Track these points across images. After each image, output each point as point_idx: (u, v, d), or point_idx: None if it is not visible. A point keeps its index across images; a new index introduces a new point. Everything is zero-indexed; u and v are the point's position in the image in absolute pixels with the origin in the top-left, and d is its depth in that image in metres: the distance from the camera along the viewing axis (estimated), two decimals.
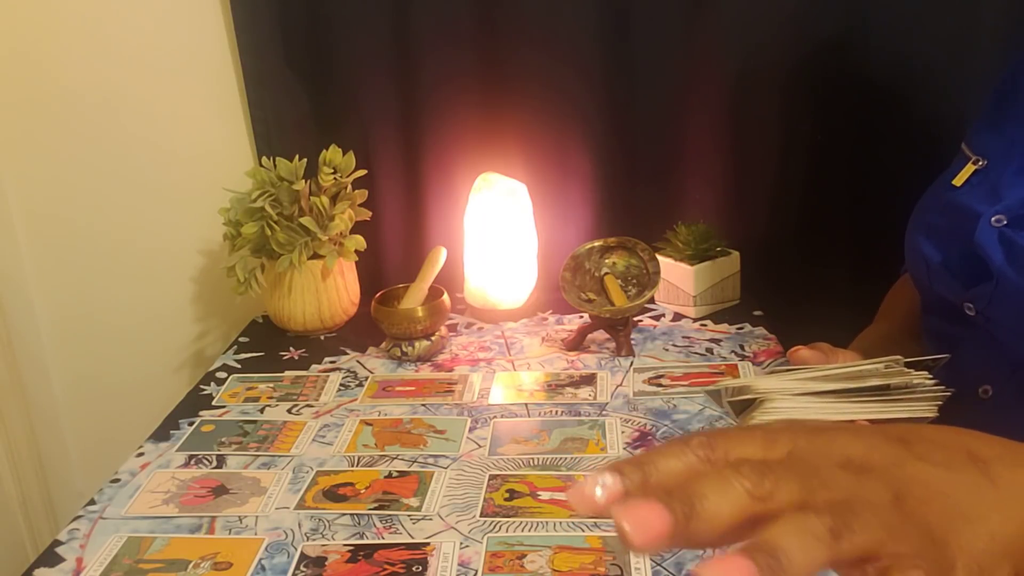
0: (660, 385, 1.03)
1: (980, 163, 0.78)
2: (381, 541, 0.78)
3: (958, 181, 0.79)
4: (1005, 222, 0.72)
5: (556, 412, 0.98)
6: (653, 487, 0.36)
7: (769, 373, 0.69)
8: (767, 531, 0.34)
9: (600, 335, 1.14)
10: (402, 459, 0.91)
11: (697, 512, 0.34)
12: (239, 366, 1.16)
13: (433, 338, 1.14)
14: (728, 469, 0.36)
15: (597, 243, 1.15)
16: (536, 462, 0.88)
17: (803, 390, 0.66)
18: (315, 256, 1.20)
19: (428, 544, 0.77)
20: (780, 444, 0.39)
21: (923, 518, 0.37)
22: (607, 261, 1.16)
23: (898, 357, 0.69)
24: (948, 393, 0.66)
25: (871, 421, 0.64)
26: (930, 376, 0.67)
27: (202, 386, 1.10)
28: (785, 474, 0.36)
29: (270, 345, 1.22)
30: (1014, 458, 0.41)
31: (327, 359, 1.16)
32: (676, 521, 0.34)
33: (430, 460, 0.90)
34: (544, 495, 0.83)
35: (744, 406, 0.68)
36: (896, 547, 0.35)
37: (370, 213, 1.26)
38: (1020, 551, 0.39)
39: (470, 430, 0.96)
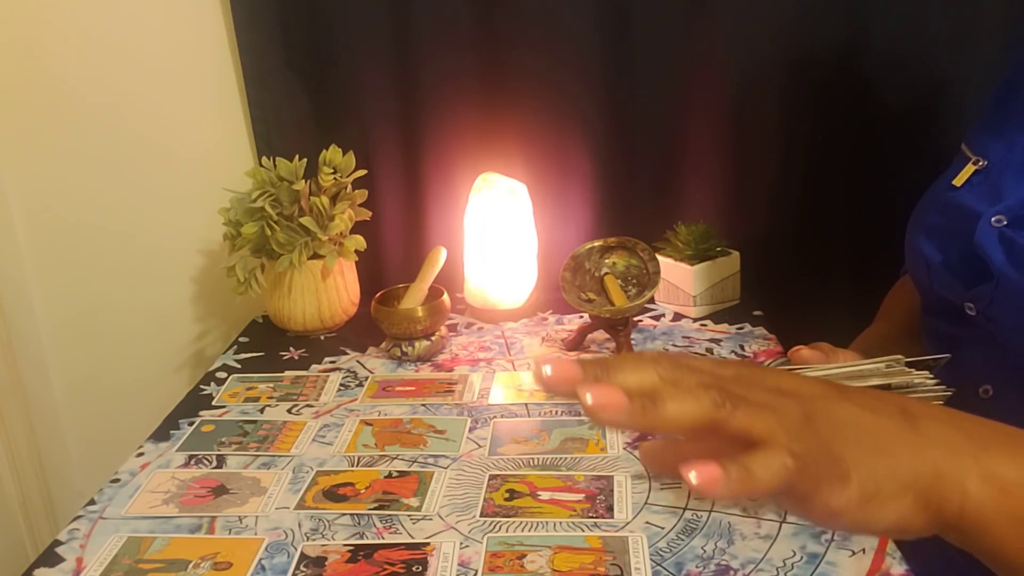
0: None
1: (980, 163, 0.78)
2: (381, 541, 0.78)
3: (958, 181, 0.79)
4: (1005, 222, 0.72)
5: (556, 412, 0.98)
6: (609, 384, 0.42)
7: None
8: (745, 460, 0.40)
9: (600, 335, 1.14)
10: (402, 459, 0.91)
11: (659, 404, 0.41)
12: (239, 366, 1.16)
13: (433, 338, 1.14)
14: (686, 381, 0.42)
15: (597, 243, 1.15)
16: (536, 462, 0.88)
17: None
18: (315, 256, 1.20)
19: (428, 544, 0.77)
20: (727, 369, 0.45)
21: (825, 436, 0.42)
22: (607, 261, 1.16)
23: (899, 357, 0.69)
24: (949, 393, 0.67)
25: None
26: (931, 376, 0.67)
27: (202, 386, 1.10)
28: (725, 388, 0.42)
29: (270, 345, 1.22)
30: (947, 419, 0.45)
31: (327, 359, 1.16)
32: (633, 405, 0.41)
33: (430, 460, 0.90)
34: (544, 495, 0.83)
35: None
36: (786, 441, 0.41)
37: (370, 213, 1.26)
38: (928, 490, 0.42)
39: (470, 430, 0.96)
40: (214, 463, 0.92)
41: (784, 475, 0.40)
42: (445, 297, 1.15)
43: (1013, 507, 0.42)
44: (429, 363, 1.13)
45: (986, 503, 0.42)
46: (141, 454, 0.95)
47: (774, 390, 0.44)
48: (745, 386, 0.43)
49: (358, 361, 1.15)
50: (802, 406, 0.43)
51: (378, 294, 1.17)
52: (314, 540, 0.78)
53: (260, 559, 0.76)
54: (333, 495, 0.85)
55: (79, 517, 0.84)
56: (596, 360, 0.43)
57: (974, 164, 0.78)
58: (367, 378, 1.10)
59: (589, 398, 0.41)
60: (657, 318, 1.22)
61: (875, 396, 0.46)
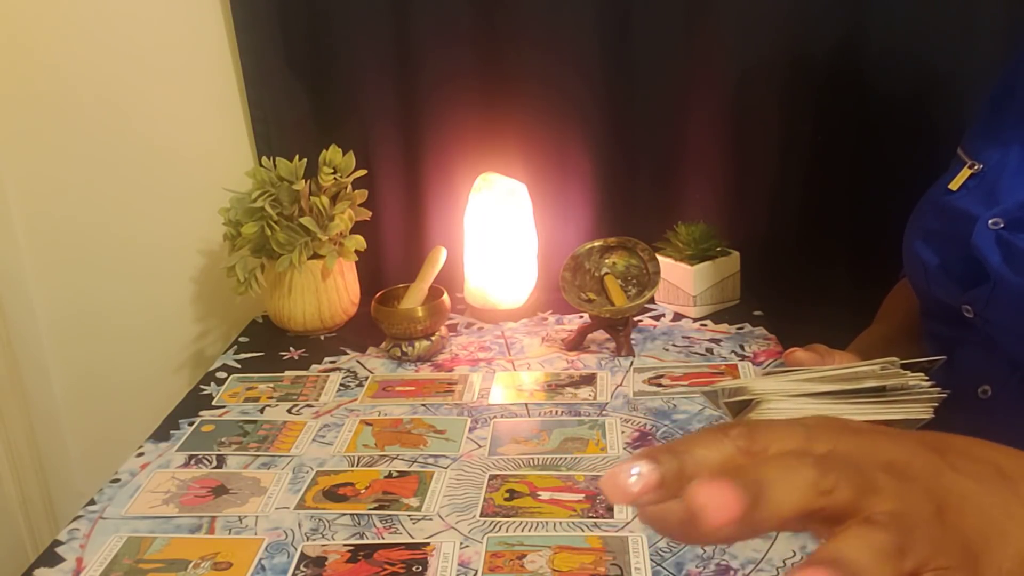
0: (660, 385, 1.03)
1: (976, 167, 0.78)
2: (381, 541, 0.78)
3: (954, 185, 0.79)
4: (1002, 225, 0.72)
5: (556, 412, 0.98)
6: (692, 475, 0.34)
7: (766, 374, 0.69)
8: (839, 542, 0.33)
9: (600, 335, 1.14)
10: (402, 459, 0.91)
11: (767, 497, 0.33)
12: (239, 366, 1.16)
13: (433, 338, 1.14)
14: (792, 458, 0.35)
15: (597, 243, 1.15)
16: (536, 462, 0.88)
17: (799, 391, 0.66)
18: (315, 256, 1.20)
19: (428, 544, 0.77)
20: (822, 441, 0.38)
21: (961, 531, 0.37)
22: (607, 261, 1.16)
23: (894, 359, 0.69)
24: (944, 395, 0.66)
25: (867, 422, 0.64)
26: (926, 378, 0.67)
27: (202, 386, 1.10)
28: (841, 471, 0.35)
29: (270, 345, 1.22)
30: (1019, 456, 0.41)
31: (327, 359, 1.16)
32: (746, 504, 0.32)
33: (430, 460, 0.90)
34: (544, 495, 0.83)
35: (741, 407, 0.68)
36: (940, 561, 0.35)
37: (370, 213, 1.26)
38: None
39: (470, 430, 0.96)
40: (214, 463, 0.92)
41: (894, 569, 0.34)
42: (445, 297, 1.15)
43: None
44: (429, 363, 1.13)
45: None
46: (141, 454, 0.95)
47: (889, 470, 0.37)
48: (870, 478, 0.36)
49: (358, 361, 1.15)
50: (930, 495, 0.37)
51: (378, 294, 1.17)
52: (314, 540, 0.78)
53: (260, 559, 0.76)
54: (333, 495, 0.85)
55: (79, 517, 0.84)
56: (664, 448, 0.35)
57: (970, 168, 0.78)
58: (367, 378, 1.10)
59: (698, 498, 0.32)
60: (657, 318, 1.22)
61: (971, 458, 0.40)
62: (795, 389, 0.67)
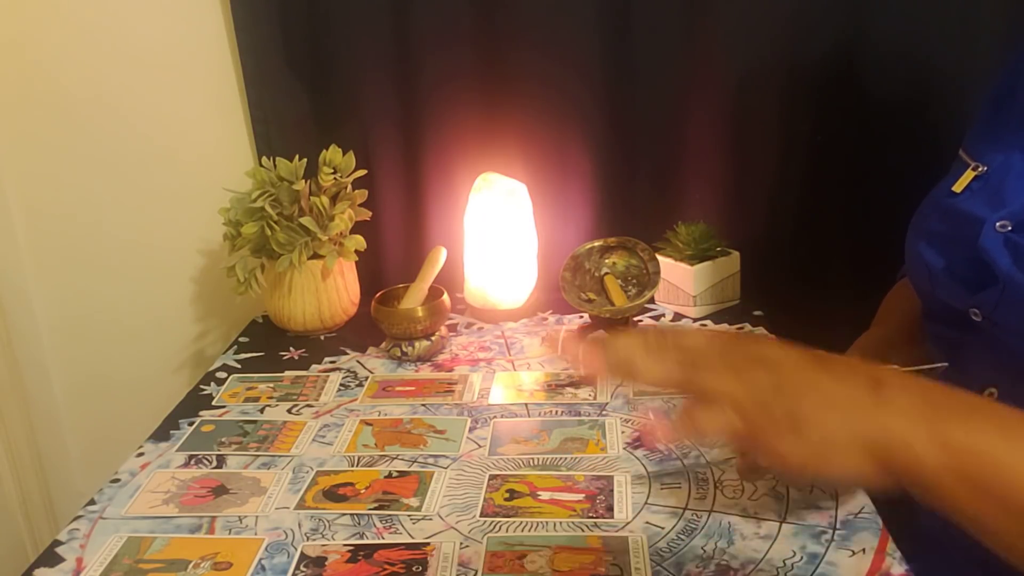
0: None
1: (980, 169, 0.78)
2: (381, 541, 0.78)
3: (958, 188, 0.78)
4: (1010, 227, 0.72)
5: (556, 412, 0.98)
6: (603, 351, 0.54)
7: None
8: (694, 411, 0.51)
9: (600, 335, 1.14)
10: (402, 459, 0.91)
11: (632, 374, 0.52)
12: (239, 366, 1.16)
13: (433, 338, 1.14)
14: (669, 351, 0.52)
15: (597, 243, 1.15)
16: (536, 462, 0.88)
17: None
18: (315, 256, 1.20)
19: (428, 544, 0.77)
20: (719, 336, 0.54)
21: (789, 400, 0.49)
22: (607, 261, 1.16)
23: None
24: None
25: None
26: None
27: (202, 386, 1.10)
28: (711, 358, 0.51)
29: (270, 345, 1.22)
30: (913, 388, 0.50)
31: (327, 359, 1.16)
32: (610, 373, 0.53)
33: (430, 460, 0.90)
34: (544, 495, 0.83)
35: None
36: (741, 400, 0.49)
37: (370, 213, 1.26)
38: (878, 447, 0.48)
39: (470, 430, 0.96)
40: (214, 463, 0.92)
41: (728, 429, 0.49)
42: (445, 297, 1.15)
43: (958, 466, 0.47)
44: (429, 363, 1.13)
45: (933, 464, 0.47)
46: (141, 454, 0.95)
47: (755, 359, 0.51)
48: (722, 355, 0.52)
49: (358, 361, 1.15)
50: (774, 374, 0.50)
51: (378, 294, 1.17)
52: (314, 540, 0.78)
53: (260, 559, 0.76)
54: (333, 495, 0.85)
55: (79, 517, 0.84)
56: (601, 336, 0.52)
57: (973, 170, 0.78)
58: (367, 378, 1.10)
59: (581, 355, 0.54)
60: (657, 318, 1.22)
61: (850, 366, 0.52)
62: None
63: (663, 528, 0.77)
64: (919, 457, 0.47)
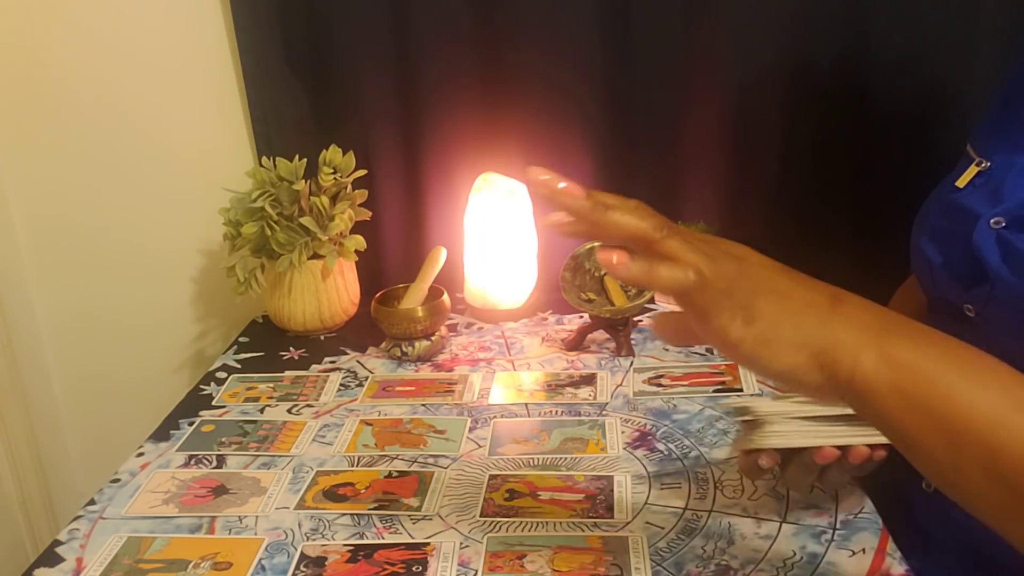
0: (660, 385, 1.03)
1: (984, 165, 0.78)
2: (381, 541, 0.78)
3: (961, 183, 0.79)
4: (1004, 224, 0.72)
5: (556, 412, 0.98)
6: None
7: (775, 399, 0.71)
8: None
9: (600, 335, 1.14)
10: (402, 459, 0.91)
11: (607, 229, 0.51)
12: (239, 366, 1.16)
13: (433, 338, 1.14)
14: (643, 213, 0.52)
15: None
16: (536, 462, 0.88)
17: (800, 414, 0.69)
18: (315, 256, 1.20)
19: (428, 544, 0.77)
20: (703, 240, 0.53)
21: (745, 286, 0.51)
22: None
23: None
24: None
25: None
26: None
27: (202, 386, 1.10)
28: (681, 230, 0.52)
29: (270, 345, 1.22)
30: (869, 307, 0.51)
31: (327, 359, 1.16)
32: (588, 205, 0.52)
33: (430, 460, 0.90)
34: (544, 495, 0.83)
35: (751, 426, 0.70)
36: (702, 268, 0.50)
37: (370, 213, 1.26)
38: (823, 352, 0.49)
39: (470, 430, 0.96)
40: (214, 463, 0.92)
41: (682, 285, 0.49)
42: (445, 297, 1.15)
43: (898, 382, 0.48)
44: (429, 363, 1.13)
45: (875, 375, 0.48)
46: (141, 454, 0.95)
47: (726, 252, 0.53)
48: (699, 239, 0.52)
49: (358, 361, 1.15)
50: (740, 265, 0.52)
51: (378, 294, 1.17)
52: (314, 540, 0.78)
53: (260, 559, 0.76)
54: (333, 495, 0.85)
55: (79, 517, 0.84)
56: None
57: (977, 165, 0.78)
58: (367, 378, 1.10)
59: (560, 183, 0.54)
60: None
61: (813, 280, 0.53)
62: (795, 411, 0.69)
63: (663, 528, 0.77)
64: (862, 366, 0.48)
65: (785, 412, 0.69)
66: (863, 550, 0.72)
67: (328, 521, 0.81)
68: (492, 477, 0.86)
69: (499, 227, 1.21)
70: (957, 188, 0.79)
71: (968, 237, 0.74)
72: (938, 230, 0.80)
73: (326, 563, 0.75)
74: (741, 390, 1.00)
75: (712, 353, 1.10)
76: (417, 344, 1.13)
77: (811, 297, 0.52)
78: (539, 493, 0.83)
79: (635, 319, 1.18)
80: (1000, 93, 0.82)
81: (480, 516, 0.80)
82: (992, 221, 0.73)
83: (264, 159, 1.23)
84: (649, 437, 0.92)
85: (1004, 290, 0.70)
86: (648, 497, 0.81)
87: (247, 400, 1.06)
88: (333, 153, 1.20)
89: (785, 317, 0.50)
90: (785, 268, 0.54)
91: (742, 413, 0.71)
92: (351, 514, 0.82)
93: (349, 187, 1.23)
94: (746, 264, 0.53)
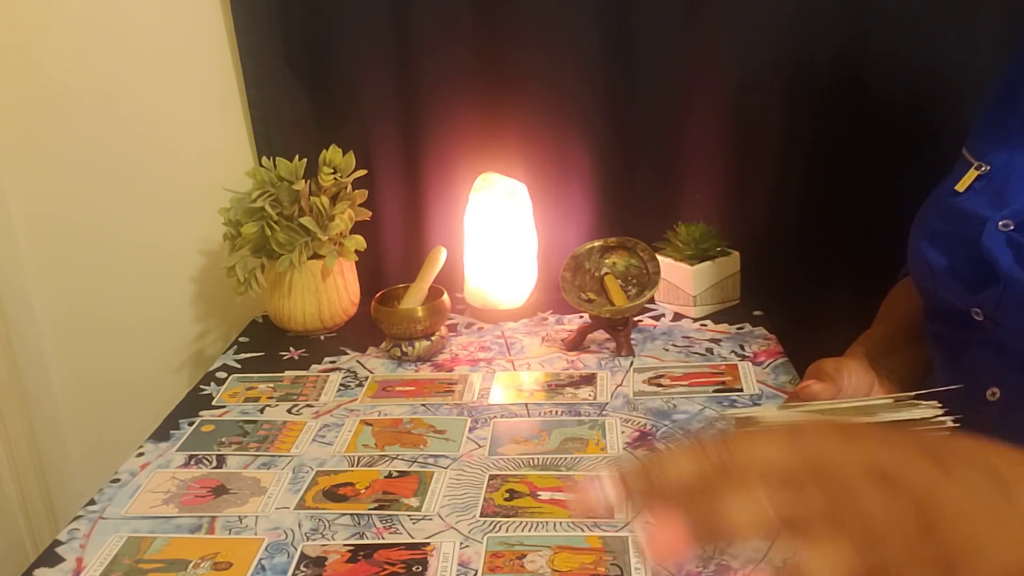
0: (660, 385, 1.03)
1: (983, 168, 0.78)
2: (381, 541, 0.78)
3: (961, 187, 0.78)
4: (1013, 227, 0.72)
5: (556, 412, 0.98)
6: (662, 495, 0.36)
7: (781, 408, 0.71)
8: (804, 558, 0.35)
9: (600, 335, 1.14)
10: (402, 459, 0.91)
11: (720, 531, 0.35)
12: (239, 366, 1.16)
13: (433, 338, 1.14)
14: (753, 482, 0.35)
15: (597, 243, 1.15)
16: (536, 462, 0.88)
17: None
18: (315, 256, 1.20)
19: (428, 544, 0.77)
20: (807, 446, 0.38)
21: (943, 542, 0.38)
22: (607, 261, 1.16)
23: (908, 394, 0.69)
24: (957, 425, 0.66)
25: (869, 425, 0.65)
26: (940, 406, 0.67)
27: (202, 386, 1.10)
28: (813, 489, 0.36)
29: (270, 345, 1.22)
30: None
31: (327, 359, 1.16)
32: (689, 539, 0.34)
33: (430, 460, 0.90)
34: (544, 495, 0.83)
35: None
36: (911, 570, 0.37)
37: (370, 213, 1.26)
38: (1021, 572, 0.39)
39: (470, 430, 0.96)
40: (214, 463, 0.92)
41: None
42: (445, 297, 1.15)
43: None
44: (429, 363, 1.13)
45: None
46: (141, 454, 0.95)
47: (875, 477, 0.38)
48: (849, 490, 0.38)
49: (358, 361, 1.15)
50: (915, 503, 0.38)
51: (378, 294, 1.17)
52: (314, 540, 0.78)
53: (260, 559, 0.76)
54: (333, 495, 0.85)
55: (79, 517, 0.84)
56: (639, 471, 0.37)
57: (976, 169, 0.78)
58: (367, 378, 1.10)
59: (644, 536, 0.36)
60: (657, 318, 1.22)
61: (969, 463, 0.41)
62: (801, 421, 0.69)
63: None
64: None
65: (791, 421, 0.69)
66: None
67: (328, 521, 0.81)
68: (492, 477, 0.86)
69: (499, 227, 1.21)
70: (956, 192, 0.78)
71: (973, 241, 0.73)
72: (940, 234, 0.80)
73: (326, 563, 0.75)
74: (741, 390, 1.00)
75: (712, 353, 1.10)
76: (417, 344, 1.13)
77: (989, 503, 0.40)
78: (539, 493, 0.83)
79: (635, 319, 1.18)
80: (994, 94, 0.82)
81: (480, 516, 0.80)
82: (1000, 224, 0.72)
83: (264, 159, 1.23)
84: (649, 437, 0.92)
85: (1016, 292, 0.70)
86: None
87: (247, 400, 1.06)
88: (333, 153, 1.20)
89: (988, 568, 0.39)
90: (934, 460, 0.40)
91: (748, 424, 0.71)
92: (351, 514, 0.82)
93: (349, 187, 1.23)
94: (920, 501, 0.38)
